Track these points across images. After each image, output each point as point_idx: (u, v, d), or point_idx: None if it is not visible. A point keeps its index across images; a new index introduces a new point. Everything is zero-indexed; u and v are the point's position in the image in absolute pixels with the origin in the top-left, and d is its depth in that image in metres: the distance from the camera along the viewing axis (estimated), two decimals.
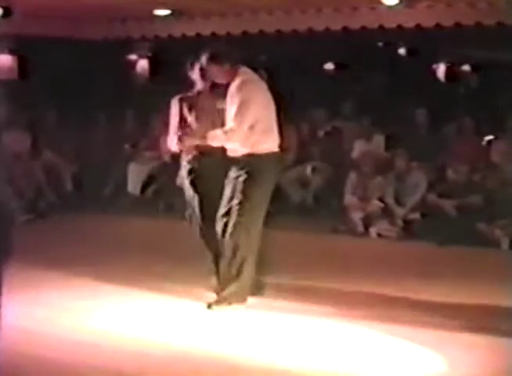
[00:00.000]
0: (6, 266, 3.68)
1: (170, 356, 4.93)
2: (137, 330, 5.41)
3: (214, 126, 5.85)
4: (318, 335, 5.35)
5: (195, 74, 6.08)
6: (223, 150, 5.86)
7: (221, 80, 5.89)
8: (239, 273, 5.78)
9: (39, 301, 6.04)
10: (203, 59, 5.87)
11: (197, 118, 6.08)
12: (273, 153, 5.84)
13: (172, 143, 6.15)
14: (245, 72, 5.83)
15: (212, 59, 5.82)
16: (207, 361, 4.84)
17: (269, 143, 5.82)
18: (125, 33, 11.15)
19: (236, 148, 5.77)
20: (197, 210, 6.09)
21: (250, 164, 5.73)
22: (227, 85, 5.86)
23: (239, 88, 5.72)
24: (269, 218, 5.95)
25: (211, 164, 5.97)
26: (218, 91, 5.98)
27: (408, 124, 10.62)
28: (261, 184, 5.77)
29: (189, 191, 6.15)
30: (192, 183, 6.10)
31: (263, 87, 5.89)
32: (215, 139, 5.79)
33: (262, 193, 5.80)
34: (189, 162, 6.12)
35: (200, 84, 6.08)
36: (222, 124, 5.82)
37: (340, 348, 5.11)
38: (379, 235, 9.29)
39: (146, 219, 9.91)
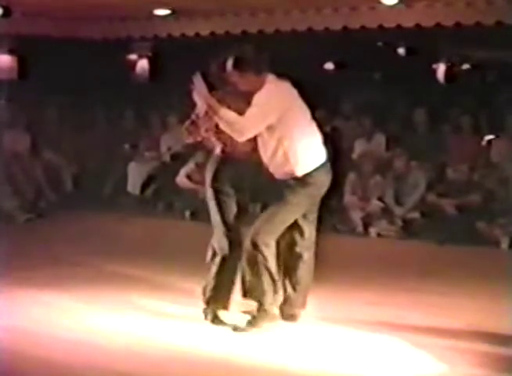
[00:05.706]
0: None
1: (169, 356, 4.93)
2: (136, 331, 5.41)
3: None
4: (316, 336, 5.36)
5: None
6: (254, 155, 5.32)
7: (244, 88, 5.26)
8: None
9: (39, 301, 6.04)
10: (228, 63, 5.26)
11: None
12: (322, 166, 5.36)
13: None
14: (273, 81, 5.30)
15: (236, 65, 5.23)
16: (206, 362, 4.84)
17: (318, 156, 5.36)
18: (125, 33, 11.14)
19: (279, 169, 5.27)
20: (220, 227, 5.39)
21: (304, 188, 5.27)
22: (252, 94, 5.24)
23: (262, 92, 5.18)
24: None
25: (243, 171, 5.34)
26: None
27: (407, 124, 10.62)
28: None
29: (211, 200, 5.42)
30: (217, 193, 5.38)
31: (296, 96, 5.36)
32: (225, 118, 5.14)
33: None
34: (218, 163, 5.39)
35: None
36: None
37: (339, 349, 5.11)
38: (379, 235, 9.31)
39: (145, 219, 9.92)
